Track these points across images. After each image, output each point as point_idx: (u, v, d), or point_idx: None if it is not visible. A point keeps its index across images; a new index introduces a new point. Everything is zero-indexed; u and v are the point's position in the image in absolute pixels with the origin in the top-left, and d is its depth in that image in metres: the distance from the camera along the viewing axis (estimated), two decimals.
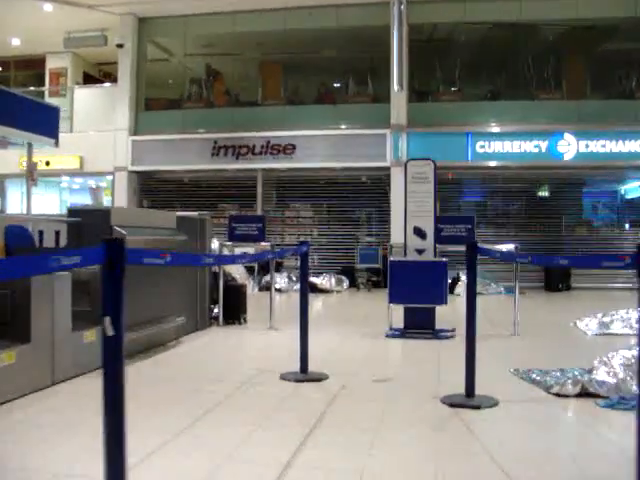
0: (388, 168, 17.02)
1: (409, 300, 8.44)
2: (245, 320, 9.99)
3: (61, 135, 18.00)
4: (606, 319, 9.14)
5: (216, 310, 9.77)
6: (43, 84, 21.61)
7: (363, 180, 17.88)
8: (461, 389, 5.30)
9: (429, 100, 18.25)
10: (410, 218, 8.79)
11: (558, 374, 5.85)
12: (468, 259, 5.30)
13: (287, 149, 17.61)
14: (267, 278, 16.19)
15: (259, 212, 18.32)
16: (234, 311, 9.72)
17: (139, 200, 19.28)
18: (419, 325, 8.61)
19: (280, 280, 16.03)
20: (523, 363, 6.68)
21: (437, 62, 18.29)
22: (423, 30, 18.11)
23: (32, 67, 22.84)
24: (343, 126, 17.63)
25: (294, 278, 16.51)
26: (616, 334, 8.72)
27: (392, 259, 8.67)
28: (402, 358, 7.86)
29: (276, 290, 15.75)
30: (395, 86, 16.51)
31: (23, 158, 20.00)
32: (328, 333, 8.90)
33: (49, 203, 21.71)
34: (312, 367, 6.34)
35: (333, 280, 16.00)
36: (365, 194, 17.74)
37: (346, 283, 16.34)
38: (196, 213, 9.42)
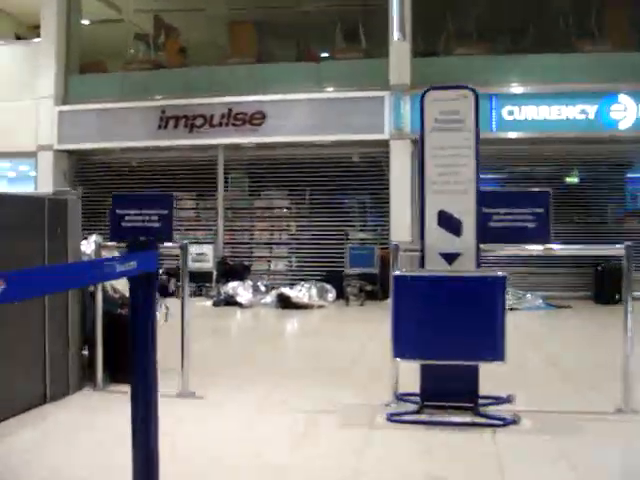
0: (386, 142, 12.97)
1: (430, 352, 4.37)
2: None
3: None
4: None
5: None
6: None
7: (354, 160, 13.82)
8: None
9: (439, 54, 14.09)
10: (431, 197, 4.75)
11: None
12: None
13: (255, 119, 13.54)
14: (229, 287, 12.23)
15: (220, 202, 14.28)
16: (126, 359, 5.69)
17: (72, 188, 15.17)
18: (449, 392, 4.59)
19: (243, 291, 11.98)
20: None
21: (450, 4, 14.14)
22: None
23: None
24: (328, 88, 13.57)
25: (263, 288, 12.47)
26: None
27: (398, 274, 4.49)
28: None
29: (237, 305, 11.86)
30: (395, 34, 12.41)
31: None
32: (280, 413, 4.88)
33: None
34: None
35: (314, 291, 11.95)
36: (357, 177, 13.64)
37: (332, 294, 12.28)
38: (48, 190, 5.44)
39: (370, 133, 13.01)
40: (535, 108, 12.61)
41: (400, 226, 12.66)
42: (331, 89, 13.54)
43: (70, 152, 14.90)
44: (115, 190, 14.90)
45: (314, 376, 6.08)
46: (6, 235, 4.51)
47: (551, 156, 13.10)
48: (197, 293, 13.67)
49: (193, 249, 13.46)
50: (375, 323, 9.51)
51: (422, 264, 4.68)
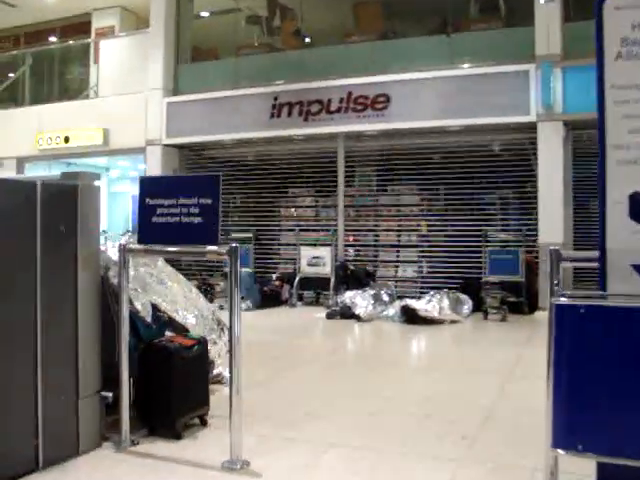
0: (533, 125, 10.83)
1: (631, 446, 2.46)
2: (205, 422, 4.40)
3: (81, 102, 13.22)
4: None
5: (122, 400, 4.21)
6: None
7: (494, 147, 11.76)
8: None
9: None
10: (617, 171, 2.81)
11: None
12: None
13: (377, 102, 11.78)
14: (347, 297, 10.60)
15: (341, 198, 12.63)
16: (166, 405, 4.14)
17: None
18: None
19: (362, 301, 10.27)
20: None
21: None
22: None
23: (78, 31, 18.18)
24: (462, 65, 11.59)
25: (386, 297, 10.71)
26: None
27: (563, 303, 2.55)
28: None
29: (354, 317, 10.16)
30: None
31: (40, 135, 15.51)
32: None
33: None
34: None
35: (445, 302, 9.99)
36: (497, 168, 11.55)
37: (467, 306, 10.31)
38: (43, 174, 4.01)
39: (513, 115, 10.92)
40: None
41: (550, 226, 10.51)
42: (465, 65, 11.54)
43: (180, 147, 13.80)
44: (230, 188, 13.79)
45: (422, 440, 4.24)
46: None
47: None
48: (314, 302, 12.16)
49: (309, 252, 11.95)
50: (519, 347, 7.54)
51: (602, 282, 2.76)
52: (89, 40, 15.76)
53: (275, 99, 12.47)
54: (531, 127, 10.88)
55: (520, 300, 10.37)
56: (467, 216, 11.69)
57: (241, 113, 12.76)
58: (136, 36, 14.34)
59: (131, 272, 4.32)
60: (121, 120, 14.06)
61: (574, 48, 10.60)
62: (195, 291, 5.03)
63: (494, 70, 11.08)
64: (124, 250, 3.93)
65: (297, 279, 11.85)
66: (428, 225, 12.21)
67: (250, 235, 12.65)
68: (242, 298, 11.72)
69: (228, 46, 13.96)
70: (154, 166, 13.62)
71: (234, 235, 12.99)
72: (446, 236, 11.94)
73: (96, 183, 3.96)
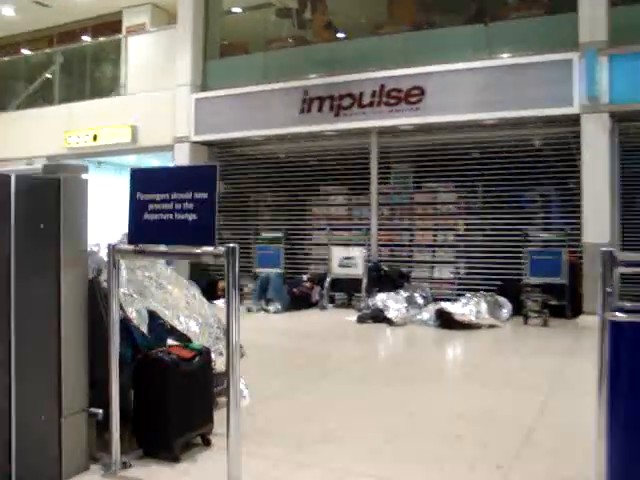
0: (576, 118, 10.20)
1: None
2: (208, 442, 3.96)
3: (110, 99, 12.99)
4: None
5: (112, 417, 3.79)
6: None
7: (535, 142, 11.16)
8: None
9: None
10: None
11: None
12: None
13: (411, 95, 11.24)
14: (378, 299, 10.13)
15: (374, 196, 12.12)
16: (162, 423, 3.71)
17: None
18: None
19: (395, 304, 9.77)
20: None
21: None
22: None
23: (109, 29, 17.96)
24: (500, 55, 10.98)
25: (420, 300, 10.21)
26: None
27: (622, 319, 2.04)
28: None
29: (386, 321, 9.66)
30: None
31: (69, 134, 15.27)
32: None
33: None
34: None
35: (483, 306, 9.43)
36: (538, 164, 10.93)
37: (506, 310, 9.74)
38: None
39: (555, 107, 10.29)
40: None
41: (595, 224, 9.86)
42: (504, 55, 10.93)
43: (209, 144, 13.44)
44: (258, 186, 13.37)
45: (450, 469, 3.73)
46: None
47: None
48: (346, 304, 11.69)
49: (340, 252, 11.48)
50: (563, 356, 6.98)
51: None
52: (118, 37, 15.46)
53: (305, 93, 12.01)
54: (574, 119, 10.24)
55: (562, 303, 9.76)
56: (506, 214, 11.07)
57: (270, 108, 12.34)
58: (164, 32, 13.99)
59: (126, 275, 3.90)
60: (149, 117, 13.77)
61: (622, 35, 9.94)
62: (199, 296, 4.59)
63: (535, 60, 10.46)
64: (113, 251, 3.50)
65: (328, 280, 11.38)
66: (465, 224, 11.61)
67: (280, 235, 12.20)
68: (270, 300, 11.34)
69: (258, 40, 13.54)
70: (182, 164, 13.28)
71: (264, 235, 12.59)
72: (484, 235, 11.33)
73: (84, 176, 3.54)
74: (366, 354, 7.80)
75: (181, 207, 3.31)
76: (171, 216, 3.34)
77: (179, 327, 4.08)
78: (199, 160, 13.33)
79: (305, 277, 12.13)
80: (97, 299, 3.69)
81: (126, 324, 3.81)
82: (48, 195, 3.33)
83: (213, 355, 4.13)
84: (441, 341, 8.59)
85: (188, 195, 3.28)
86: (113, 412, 3.55)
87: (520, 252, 10.20)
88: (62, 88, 16.07)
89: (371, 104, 11.50)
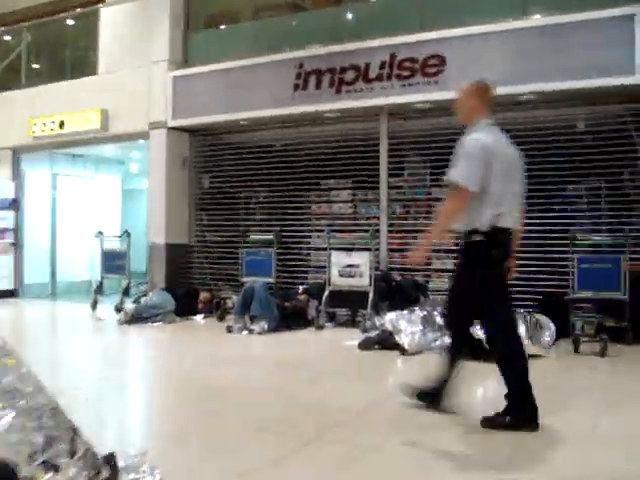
0: (637, 90, 8.11)
1: None
2: None
3: (79, 81, 11.36)
4: None
5: None
6: None
7: (580, 125, 9.07)
8: None
9: None
10: None
11: None
12: None
13: (429, 66, 9.19)
14: (387, 319, 8.09)
15: (383, 191, 10.09)
16: None
17: (194, 178, 11.73)
18: None
19: (408, 326, 7.71)
20: None
21: None
22: None
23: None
24: (535, 15, 8.89)
25: (440, 320, 8.09)
26: None
27: None
28: None
29: (397, 348, 7.56)
30: None
31: (34, 121, 13.26)
32: None
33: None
34: None
35: (522, 328, 7.31)
36: (586, 150, 8.84)
37: (549, 333, 7.63)
38: None
39: (610, 76, 8.18)
40: None
41: None
42: (539, 15, 8.84)
43: (191, 131, 11.46)
44: (251, 180, 11.41)
45: None
46: None
47: None
48: (349, 321, 9.67)
49: (342, 258, 9.46)
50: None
51: None
52: (89, 9, 13.47)
53: (300, 66, 9.98)
54: (634, 93, 8.15)
55: (622, 325, 7.66)
56: (547, 212, 8.96)
57: (259, 86, 10.35)
58: (140, 2, 11.99)
59: None
60: (122, 100, 11.82)
61: None
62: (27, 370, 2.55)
63: (582, 17, 8.36)
64: None
65: (326, 293, 9.36)
66: None
67: (272, 237, 10.18)
68: (254, 318, 9.33)
69: (247, 8, 11.53)
70: (159, 154, 11.32)
71: (254, 237, 10.61)
72: (519, 239, 9.23)
73: None
74: (368, 403, 5.43)
75: None
76: None
77: None
78: (179, 150, 11.38)
79: (300, 288, 10.13)
80: None
81: None
82: None
83: None
84: (465, 381, 5.88)
85: None
86: None
87: (565, 259, 8.11)
88: (29, 71, 14.16)
89: (380, 78, 9.44)
